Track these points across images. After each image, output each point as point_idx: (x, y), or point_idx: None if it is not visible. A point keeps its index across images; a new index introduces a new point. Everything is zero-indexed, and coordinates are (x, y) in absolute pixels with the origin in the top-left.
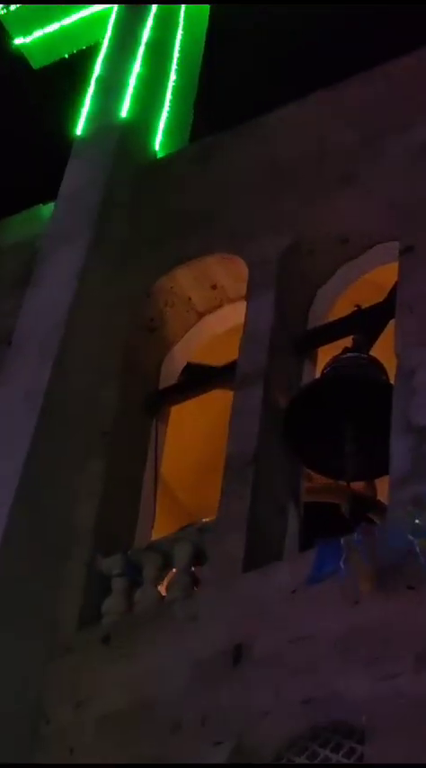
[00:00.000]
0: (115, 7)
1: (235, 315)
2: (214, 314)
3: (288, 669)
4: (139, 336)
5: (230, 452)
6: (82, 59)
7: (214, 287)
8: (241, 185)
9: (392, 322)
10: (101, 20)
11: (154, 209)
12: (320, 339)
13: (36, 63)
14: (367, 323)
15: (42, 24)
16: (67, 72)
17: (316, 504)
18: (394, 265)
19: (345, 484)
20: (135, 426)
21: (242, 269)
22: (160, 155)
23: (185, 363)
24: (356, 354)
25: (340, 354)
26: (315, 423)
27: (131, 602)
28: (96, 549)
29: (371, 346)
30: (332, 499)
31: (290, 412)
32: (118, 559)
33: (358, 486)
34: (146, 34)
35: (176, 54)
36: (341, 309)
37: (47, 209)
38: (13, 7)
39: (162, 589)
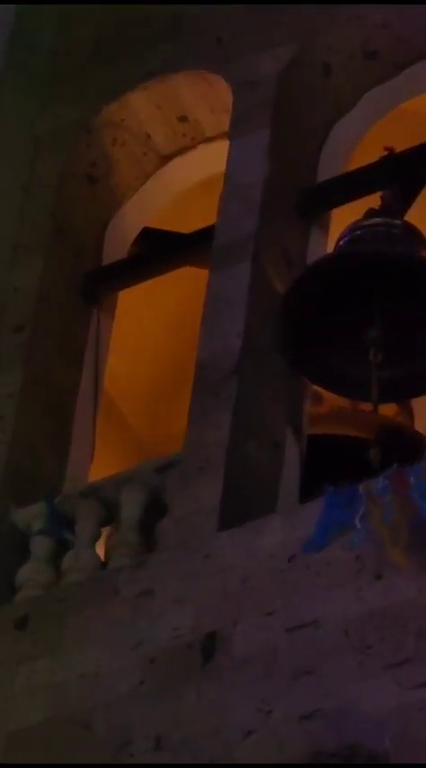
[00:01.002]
0: None
1: (212, 160)
2: (182, 158)
3: (281, 670)
4: (74, 190)
5: (202, 359)
6: None
7: (183, 119)
8: None
9: None
10: None
11: (96, 13)
12: (334, 197)
13: None
14: (401, 173)
15: None
16: None
17: (325, 437)
18: None
19: (369, 407)
20: (66, 320)
21: (224, 94)
22: None
23: (140, 229)
24: (385, 220)
25: (362, 219)
26: (326, 318)
27: (58, 572)
28: (8, 495)
29: (408, 208)
30: (348, 430)
31: (290, 302)
32: (38, 510)
33: (387, 409)
34: None
35: None
36: (365, 154)
37: None
38: None
39: (102, 553)
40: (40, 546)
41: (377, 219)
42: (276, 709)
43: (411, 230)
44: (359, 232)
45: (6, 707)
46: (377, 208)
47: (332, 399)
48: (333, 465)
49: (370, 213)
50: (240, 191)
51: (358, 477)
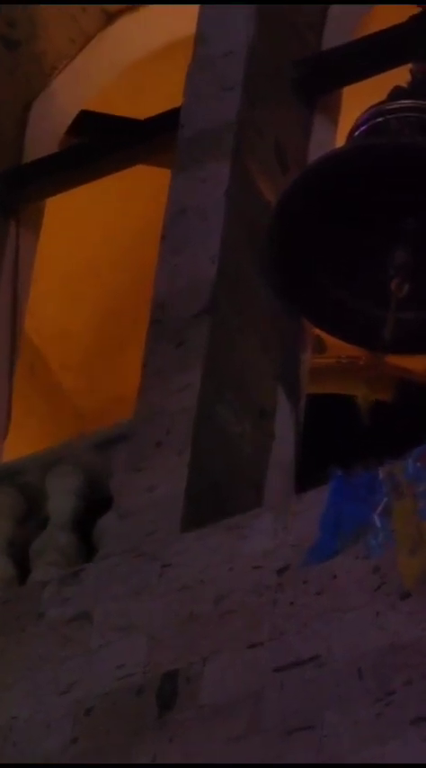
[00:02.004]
0: None
1: (177, 19)
2: (135, 15)
3: (268, 724)
4: None
5: (161, 295)
6: None
7: None
8: None
9: None
10: None
11: None
12: (345, 71)
13: None
14: None
15: None
16: None
17: (330, 398)
18: None
19: (386, 358)
20: None
21: None
22: None
23: (76, 113)
24: (417, 102)
25: (385, 102)
26: (332, 236)
27: None
28: None
29: None
30: (360, 390)
31: (284, 215)
32: None
33: (411, 362)
34: None
35: None
36: (389, 13)
37: None
38: None
39: (20, 561)
40: None
41: (407, 102)
42: None
43: None
44: (380, 119)
45: None
46: (405, 86)
47: (338, 347)
48: (342, 438)
49: (397, 93)
50: (215, 62)
51: (378, 455)
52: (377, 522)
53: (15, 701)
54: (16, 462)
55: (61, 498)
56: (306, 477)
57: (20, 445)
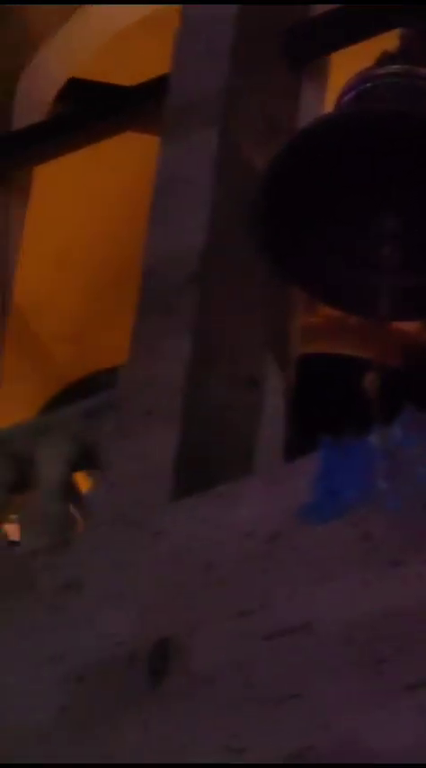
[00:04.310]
0: None
1: None
2: None
3: (258, 692)
4: None
5: (150, 262)
6: None
7: None
8: None
9: None
10: None
11: None
12: (333, 36)
13: None
14: None
15: None
16: None
17: (320, 358)
18: None
19: (382, 323)
20: None
21: None
22: None
23: (65, 81)
24: (407, 68)
25: (374, 67)
26: (323, 203)
27: None
28: None
29: None
30: (352, 349)
31: (273, 181)
32: None
33: (407, 326)
34: None
35: None
36: None
37: None
38: None
39: (9, 530)
40: None
41: (396, 67)
42: (251, 747)
43: None
44: (369, 84)
45: None
46: (394, 51)
47: (329, 310)
48: (334, 402)
49: (386, 59)
50: (202, 28)
51: (369, 418)
52: (383, 484)
53: (5, 670)
54: (5, 430)
55: (50, 467)
56: (296, 445)
57: (9, 415)
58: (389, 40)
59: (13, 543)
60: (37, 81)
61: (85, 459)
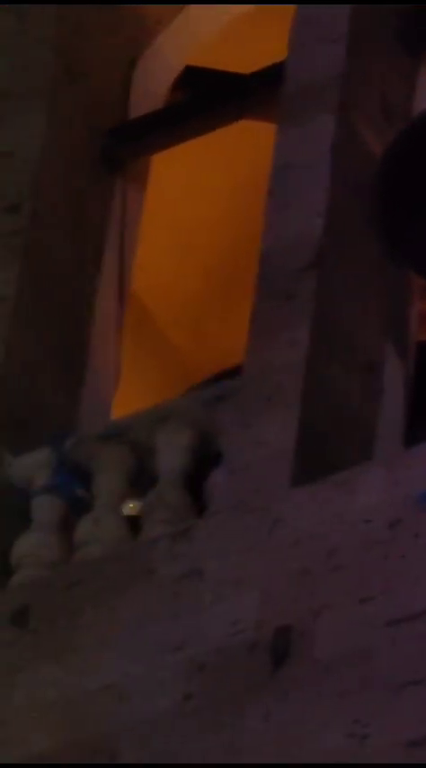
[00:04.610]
0: None
1: None
2: None
3: (380, 679)
4: (87, 17)
5: (268, 250)
6: None
7: None
8: None
9: None
10: None
11: None
12: None
13: None
14: None
15: None
16: None
17: None
18: None
19: None
20: (78, 195)
21: None
22: None
23: (181, 69)
24: None
25: None
26: None
27: (69, 545)
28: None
29: None
30: None
31: (391, 167)
32: (42, 459)
33: None
34: None
35: None
36: None
37: None
38: None
39: (129, 518)
40: (45, 509)
41: None
42: (374, 733)
43: None
44: None
45: (1, 730)
46: None
47: None
48: None
49: None
50: (319, 14)
51: None
52: None
53: (128, 658)
54: (125, 419)
55: (171, 455)
56: (416, 431)
57: (129, 402)
58: None
59: (134, 532)
60: (153, 70)
61: (205, 446)
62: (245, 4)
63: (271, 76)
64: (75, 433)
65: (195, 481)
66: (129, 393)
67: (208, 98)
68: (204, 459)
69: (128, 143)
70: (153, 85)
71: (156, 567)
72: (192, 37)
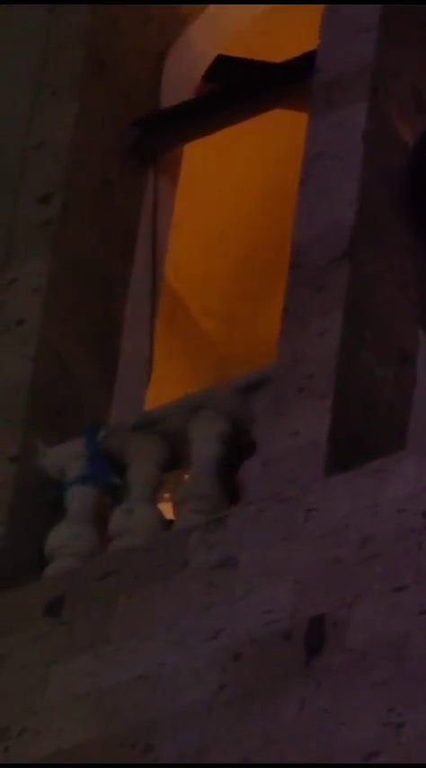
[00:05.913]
0: None
1: None
2: None
3: (415, 668)
4: (118, 8)
5: (301, 239)
6: None
7: None
8: None
9: None
10: None
11: None
12: None
13: None
14: None
15: None
16: None
17: None
18: None
19: None
20: (110, 186)
21: None
22: None
23: (213, 59)
24: None
25: None
26: None
27: (103, 535)
28: (33, 429)
29: None
30: None
31: (422, 156)
32: (76, 449)
33: None
34: None
35: None
36: None
37: None
38: None
39: (165, 508)
40: (79, 499)
41: None
42: (409, 722)
43: None
44: None
45: (35, 723)
46: None
47: None
48: None
49: None
50: (351, 3)
51: None
52: None
53: (163, 648)
54: (159, 409)
55: (204, 445)
56: None
57: (162, 392)
58: None
59: (168, 521)
60: (184, 59)
61: (238, 436)
62: None
63: (303, 66)
64: (108, 424)
65: (228, 470)
66: (162, 383)
67: (239, 88)
68: (237, 448)
69: (160, 134)
70: (184, 76)
71: (190, 557)
72: (223, 27)
